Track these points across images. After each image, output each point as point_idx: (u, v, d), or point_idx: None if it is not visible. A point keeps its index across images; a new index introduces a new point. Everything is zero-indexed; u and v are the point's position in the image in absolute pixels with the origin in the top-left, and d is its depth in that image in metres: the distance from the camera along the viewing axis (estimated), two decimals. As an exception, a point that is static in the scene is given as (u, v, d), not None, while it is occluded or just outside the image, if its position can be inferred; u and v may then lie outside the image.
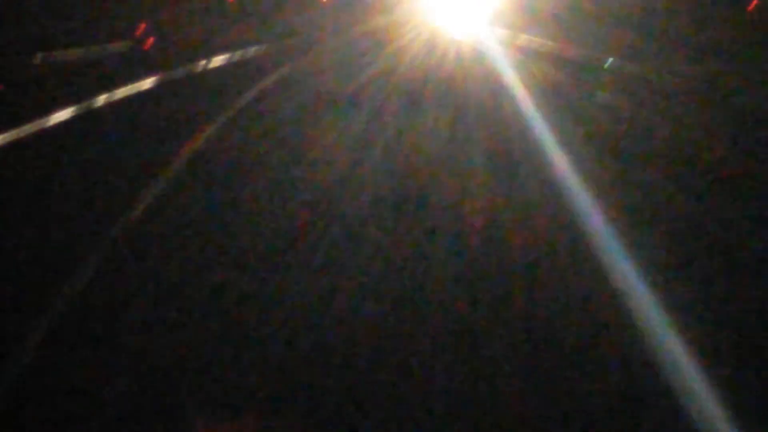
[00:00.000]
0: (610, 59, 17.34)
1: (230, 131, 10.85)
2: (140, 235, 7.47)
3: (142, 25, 26.76)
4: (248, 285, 5.86)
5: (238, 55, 21.94)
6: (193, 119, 11.06)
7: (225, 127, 11.10)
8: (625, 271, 5.51)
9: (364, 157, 9.10)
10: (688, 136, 10.01)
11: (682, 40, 20.12)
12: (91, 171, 9.04)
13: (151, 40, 25.62)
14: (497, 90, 13.76)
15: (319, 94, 13.28)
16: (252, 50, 23.39)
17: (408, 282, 5.46)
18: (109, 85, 13.87)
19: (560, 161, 8.85)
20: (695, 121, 10.95)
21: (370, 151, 9.36)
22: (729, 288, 5.56)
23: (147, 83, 15.28)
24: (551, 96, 12.92)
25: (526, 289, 5.39)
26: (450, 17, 32.79)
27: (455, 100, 12.72)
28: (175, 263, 6.52)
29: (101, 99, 12.94)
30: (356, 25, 32.41)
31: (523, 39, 23.30)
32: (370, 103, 12.45)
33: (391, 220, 7.00)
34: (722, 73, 14.70)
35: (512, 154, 9.23)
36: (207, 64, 19.11)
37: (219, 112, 11.19)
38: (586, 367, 4.33)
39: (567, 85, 13.84)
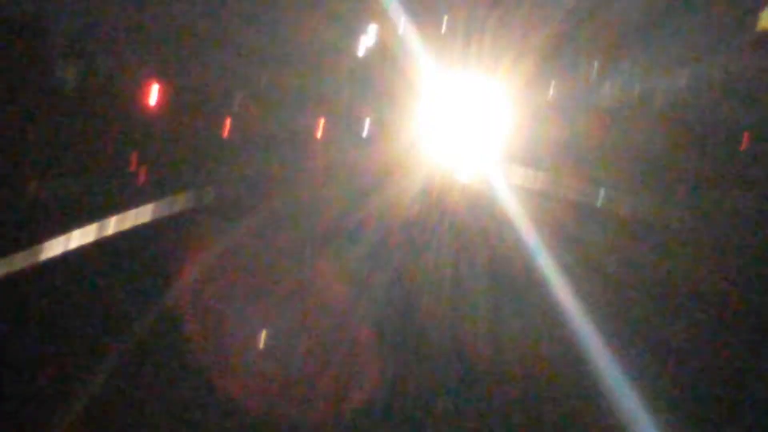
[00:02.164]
0: (602, 191, 17.47)
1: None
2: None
3: (134, 157, 27.00)
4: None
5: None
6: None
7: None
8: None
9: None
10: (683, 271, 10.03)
11: (676, 173, 20.29)
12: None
13: (143, 173, 25.78)
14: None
15: (306, 239, 13.18)
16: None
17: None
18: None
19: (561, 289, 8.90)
20: (688, 252, 11.00)
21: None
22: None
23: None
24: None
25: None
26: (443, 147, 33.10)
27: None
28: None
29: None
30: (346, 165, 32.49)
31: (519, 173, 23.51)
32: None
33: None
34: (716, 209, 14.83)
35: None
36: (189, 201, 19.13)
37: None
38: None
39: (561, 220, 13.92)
